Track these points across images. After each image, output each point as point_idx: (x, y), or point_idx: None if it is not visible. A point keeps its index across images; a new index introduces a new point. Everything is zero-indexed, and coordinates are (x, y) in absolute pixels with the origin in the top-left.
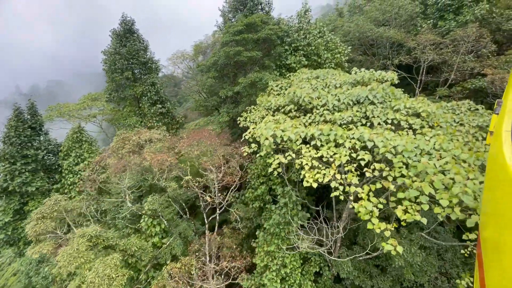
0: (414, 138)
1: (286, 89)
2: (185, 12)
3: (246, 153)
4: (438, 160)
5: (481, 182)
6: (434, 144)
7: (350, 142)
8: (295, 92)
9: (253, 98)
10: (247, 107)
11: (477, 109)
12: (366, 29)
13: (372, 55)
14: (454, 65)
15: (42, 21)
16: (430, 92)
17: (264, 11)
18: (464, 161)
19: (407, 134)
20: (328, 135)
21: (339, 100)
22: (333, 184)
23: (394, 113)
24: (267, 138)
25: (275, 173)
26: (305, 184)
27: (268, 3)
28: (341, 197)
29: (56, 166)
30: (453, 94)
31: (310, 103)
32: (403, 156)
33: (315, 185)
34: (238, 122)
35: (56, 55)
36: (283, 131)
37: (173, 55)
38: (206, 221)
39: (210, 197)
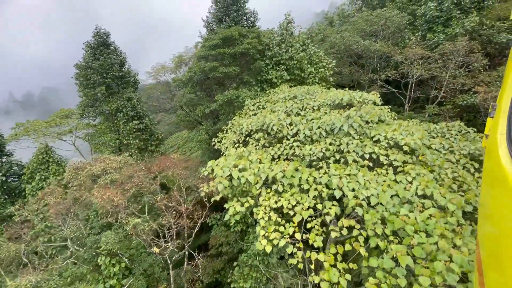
0: (394, 180)
1: (264, 108)
2: (179, 20)
3: (204, 193)
4: (420, 211)
5: (470, 250)
6: (417, 189)
7: (316, 189)
8: (266, 117)
9: (230, 116)
10: (223, 127)
11: (468, 132)
12: (352, 42)
13: (361, 66)
14: (444, 81)
15: (35, 28)
16: (421, 106)
17: (249, 21)
18: (452, 213)
19: (387, 172)
20: (292, 177)
21: (311, 129)
22: (289, 250)
23: (372, 146)
24: (220, 182)
25: (234, 219)
26: (257, 246)
27: (253, 13)
28: (300, 266)
29: (20, 190)
30: (443, 113)
31: (280, 131)
32: (377, 211)
33: (269, 248)
34: (213, 143)
35: (50, 61)
36: (240, 170)
37: (152, 67)
38: (169, 264)
39: (164, 244)
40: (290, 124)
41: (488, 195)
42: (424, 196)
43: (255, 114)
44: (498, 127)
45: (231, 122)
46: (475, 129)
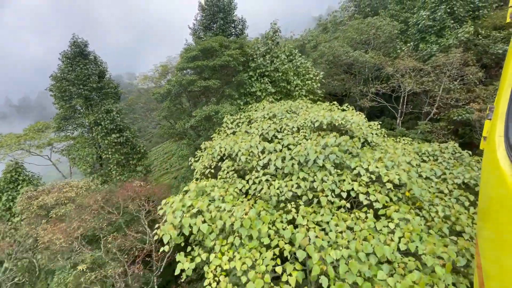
0: (374, 227)
1: (245, 124)
2: (179, 20)
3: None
4: (402, 274)
5: None
6: (399, 241)
7: (277, 245)
8: (236, 143)
9: (210, 132)
10: (202, 145)
11: (462, 155)
12: (341, 52)
13: (353, 76)
14: (437, 96)
15: (31, 31)
16: (416, 117)
17: (237, 29)
18: (440, 278)
19: (366, 217)
20: (251, 228)
21: (283, 160)
22: None
23: (352, 182)
24: (167, 232)
25: (186, 275)
26: None
27: (242, 21)
28: None
29: None
30: (436, 130)
31: (249, 162)
32: (345, 280)
33: None
34: (190, 163)
35: (47, 65)
36: (195, 215)
37: (137, 77)
38: None
39: None
40: (263, 152)
41: (486, 196)
42: (407, 253)
43: (234, 133)
44: (496, 129)
45: (204, 143)
46: (470, 152)
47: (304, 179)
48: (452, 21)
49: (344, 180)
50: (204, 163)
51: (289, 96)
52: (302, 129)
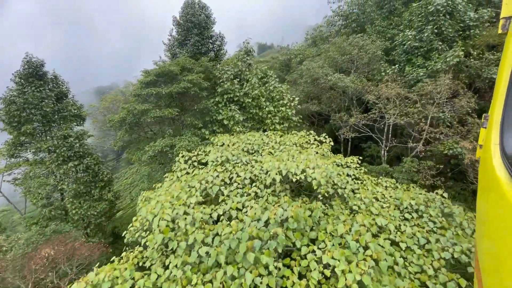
0: None
1: (202, 160)
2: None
3: None
4: None
5: None
6: None
7: None
8: (158, 211)
9: (167, 168)
10: (155, 185)
11: (452, 212)
12: (320, 75)
13: (332, 100)
14: (424, 130)
15: (27, 40)
16: (401, 153)
17: (215, 45)
18: None
19: None
20: None
21: (212, 242)
22: None
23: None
24: None
25: None
26: None
27: (220, 36)
28: None
29: None
30: (423, 170)
31: (170, 241)
32: None
33: None
34: (138, 207)
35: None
36: None
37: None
38: None
39: None
40: (186, 233)
41: (484, 204)
42: None
43: (187, 173)
44: (491, 137)
45: (142, 197)
46: (463, 201)
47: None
48: (441, 43)
49: (288, 278)
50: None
51: (261, 123)
52: (257, 181)
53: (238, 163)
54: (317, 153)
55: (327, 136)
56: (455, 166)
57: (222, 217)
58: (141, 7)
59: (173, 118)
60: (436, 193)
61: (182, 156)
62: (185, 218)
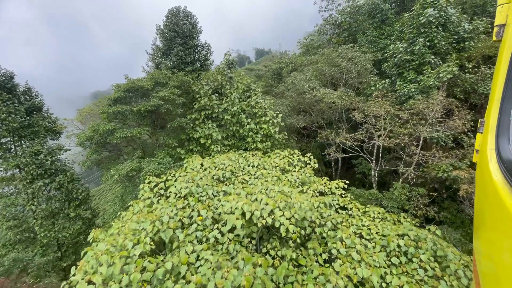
0: None
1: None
2: None
3: None
4: None
5: None
6: None
7: None
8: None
9: (134, 193)
10: (119, 212)
11: (446, 255)
12: (305, 89)
13: (320, 115)
14: (414, 156)
15: (25, 45)
16: (394, 171)
17: (200, 55)
18: None
19: None
20: None
21: None
22: None
23: None
24: None
25: None
26: None
27: (206, 46)
28: None
29: None
30: (415, 198)
31: None
32: None
33: None
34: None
35: (40, 79)
36: None
37: (79, 110)
38: None
39: None
40: None
41: (481, 208)
42: None
43: (154, 203)
44: (488, 142)
45: (92, 234)
46: (460, 224)
47: None
48: (433, 56)
49: None
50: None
51: (243, 140)
52: (220, 221)
53: (203, 196)
54: (298, 178)
55: (312, 157)
56: (452, 184)
57: (168, 275)
58: (139, 11)
59: (143, 137)
60: (428, 229)
61: (149, 182)
62: (120, 281)
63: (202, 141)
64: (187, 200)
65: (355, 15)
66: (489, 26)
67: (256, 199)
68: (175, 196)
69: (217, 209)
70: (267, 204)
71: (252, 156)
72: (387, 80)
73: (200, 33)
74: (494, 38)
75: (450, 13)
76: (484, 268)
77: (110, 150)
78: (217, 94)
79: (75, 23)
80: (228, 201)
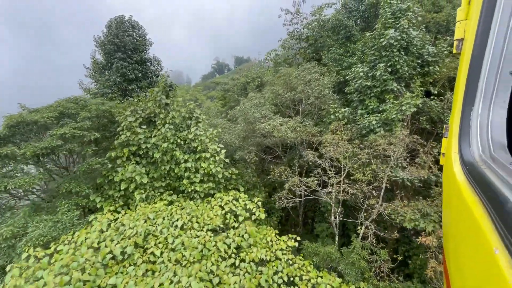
0: None
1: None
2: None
3: None
4: None
5: None
6: None
7: None
8: None
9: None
10: None
11: None
12: (255, 118)
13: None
14: (375, 206)
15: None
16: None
17: (149, 70)
18: None
19: None
20: None
21: None
22: None
23: None
24: None
25: None
26: None
27: (156, 61)
28: None
29: None
30: (376, 263)
31: None
32: None
33: None
34: None
35: (15, 85)
36: None
37: None
38: None
39: None
40: None
41: (447, 207)
42: None
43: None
44: (452, 146)
45: None
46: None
47: None
48: (396, 84)
49: None
50: None
51: (180, 180)
52: None
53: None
54: (234, 241)
55: (260, 202)
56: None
57: None
58: (111, 15)
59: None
60: None
61: (27, 257)
62: None
63: (123, 186)
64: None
65: (319, 31)
66: (450, 47)
67: None
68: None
69: None
70: None
71: (181, 209)
72: (347, 108)
73: (150, 46)
74: (454, 51)
75: (412, 35)
76: (453, 263)
77: None
78: (144, 126)
79: (42, 28)
80: None
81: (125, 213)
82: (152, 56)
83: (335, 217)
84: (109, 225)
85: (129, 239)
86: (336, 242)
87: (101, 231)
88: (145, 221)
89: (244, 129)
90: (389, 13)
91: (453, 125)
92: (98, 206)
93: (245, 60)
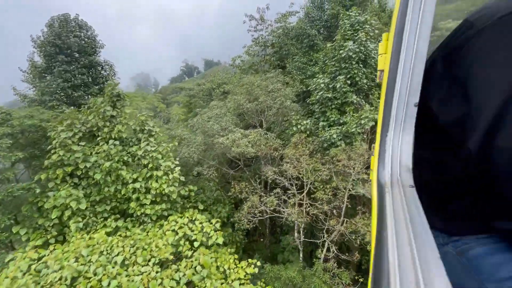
0: None
1: None
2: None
3: None
4: None
5: None
6: None
7: None
8: None
9: None
10: None
11: None
12: (214, 131)
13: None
14: (336, 226)
15: None
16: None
17: (100, 75)
18: None
19: None
20: None
21: None
22: None
23: None
24: None
25: None
26: None
27: (108, 65)
28: None
29: None
30: (338, 272)
31: None
32: None
33: None
34: None
35: None
36: None
37: None
38: None
39: None
40: None
41: (374, 218)
42: None
43: None
44: (374, 164)
45: None
46: None
47: None
48: (355, 96)
49: None
50: None
51: (128, 202)
52: None
53: None
54: (185, 275)
55: (218, 224)
56: None
57: None
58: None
59: None
60: None
61: None
62: None
63: (55, 214)
64: None
65: (284, 38)
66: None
67: None
68: None
69: None
70: None
71: (124, 238)
72: (309, 120)
73: (101, 48)
74: (378, 80)
75: (370, 48)
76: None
77: None
78: (83, 143)
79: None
80: None
81: (54, 249)
82: (103, 60)
83: (299, 233)
84: (30, 267)
85: (51, 287)
86: (300, 259)
87: (15, 278)
88: (76, 260)
89: (204, 141)
90: (348, 25)
91: (376, 146)
92: (23, 239)
93: (215, 63)
